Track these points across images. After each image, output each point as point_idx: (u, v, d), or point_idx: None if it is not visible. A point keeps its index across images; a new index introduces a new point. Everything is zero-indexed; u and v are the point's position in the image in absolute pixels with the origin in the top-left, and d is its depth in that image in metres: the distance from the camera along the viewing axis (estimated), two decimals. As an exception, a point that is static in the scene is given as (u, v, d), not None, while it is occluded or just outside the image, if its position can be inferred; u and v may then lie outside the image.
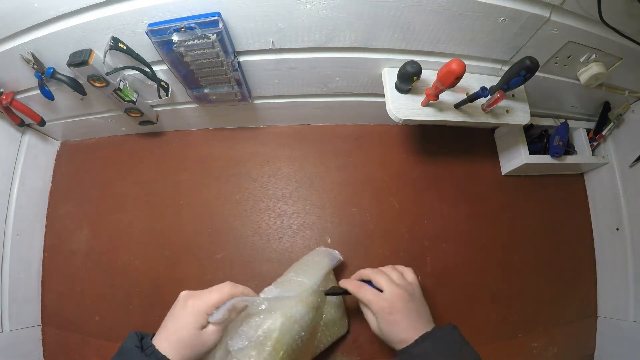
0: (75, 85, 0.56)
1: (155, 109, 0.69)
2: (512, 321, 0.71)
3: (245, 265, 0.69)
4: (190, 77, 0.57)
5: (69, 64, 0.50)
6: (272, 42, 0.52)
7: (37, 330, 0.70)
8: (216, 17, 0.46)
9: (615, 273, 0.73)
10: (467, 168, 0.77)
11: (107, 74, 0.53)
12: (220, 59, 0.52)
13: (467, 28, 0.51)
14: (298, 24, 0.49)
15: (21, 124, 0.68)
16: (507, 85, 0.52)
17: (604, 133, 0.74)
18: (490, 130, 0.80)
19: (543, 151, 0.73)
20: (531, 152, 0.71)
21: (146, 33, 0.47)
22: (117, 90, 0.57)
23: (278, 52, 0.55)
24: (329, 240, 0.70)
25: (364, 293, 0.51)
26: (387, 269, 0.54)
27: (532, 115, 0.63)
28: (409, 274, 0.54)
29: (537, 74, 0.50)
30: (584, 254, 0.78)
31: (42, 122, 0.67)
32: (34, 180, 0.74)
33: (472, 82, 0.59)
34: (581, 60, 0.58)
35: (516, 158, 0.72)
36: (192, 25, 0.46)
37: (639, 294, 0.68)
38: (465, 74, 0.46)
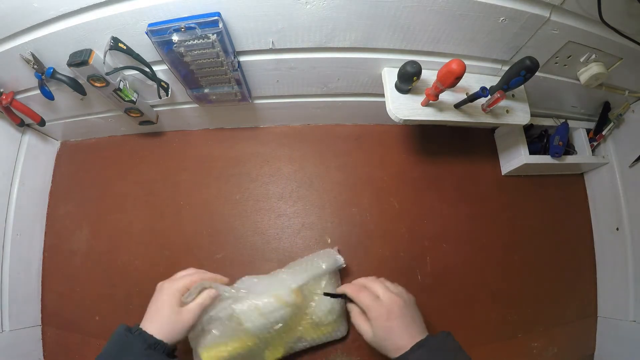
0: (75, 85, 0.56)
1: (155, 109, 0.69)
2: (512, 321, 0.71)
3: (245, 265, 0.69)
4: (190, 77, 0.57)
5: (69, 64, 0.50)
6: (272, 42, 0.52)
7: (37, 330, 0.70)
8: (216, 17, 0.46)
9: (615, 273, 0.73)
10: (467, 168, 0.77)
11: (107, 74, 0.53)
12: (220, 59, 0.52)
13: (467, 28, 0.51)
14: (298, 24, 0.49)
15: (21, 124, 0.68)
16: (507, 85, 0.52)
17: (604, 133, 0.74)
18: (490, 130, 0.80)
19: (543, 151, 0.73)
20: (531, 152, 0.71)
21: (146, 33, 0.47)
22: (117, 90, 0.57)
23: (278, 52, 0.55)
24: (329, 240, 0.70)
25: (363, 297, 0.52)
26: (381, 279, 0.57)
27: (532, 115, 0.63)
28: (399, 286, 0.56)
29: (537, 74, 0.50)
30: (584, 254, 0.78)
31: (42, 122, 0.68)
32: (34, 180, 0.74)
33: (472, 82, 0.59)
34: (581, 60, 0.58)
35: (516, 158, 0.72)
36: (192, 25, 0.46)
37: (639, 294, 0.68)
38: (465, 74, 0.47)
